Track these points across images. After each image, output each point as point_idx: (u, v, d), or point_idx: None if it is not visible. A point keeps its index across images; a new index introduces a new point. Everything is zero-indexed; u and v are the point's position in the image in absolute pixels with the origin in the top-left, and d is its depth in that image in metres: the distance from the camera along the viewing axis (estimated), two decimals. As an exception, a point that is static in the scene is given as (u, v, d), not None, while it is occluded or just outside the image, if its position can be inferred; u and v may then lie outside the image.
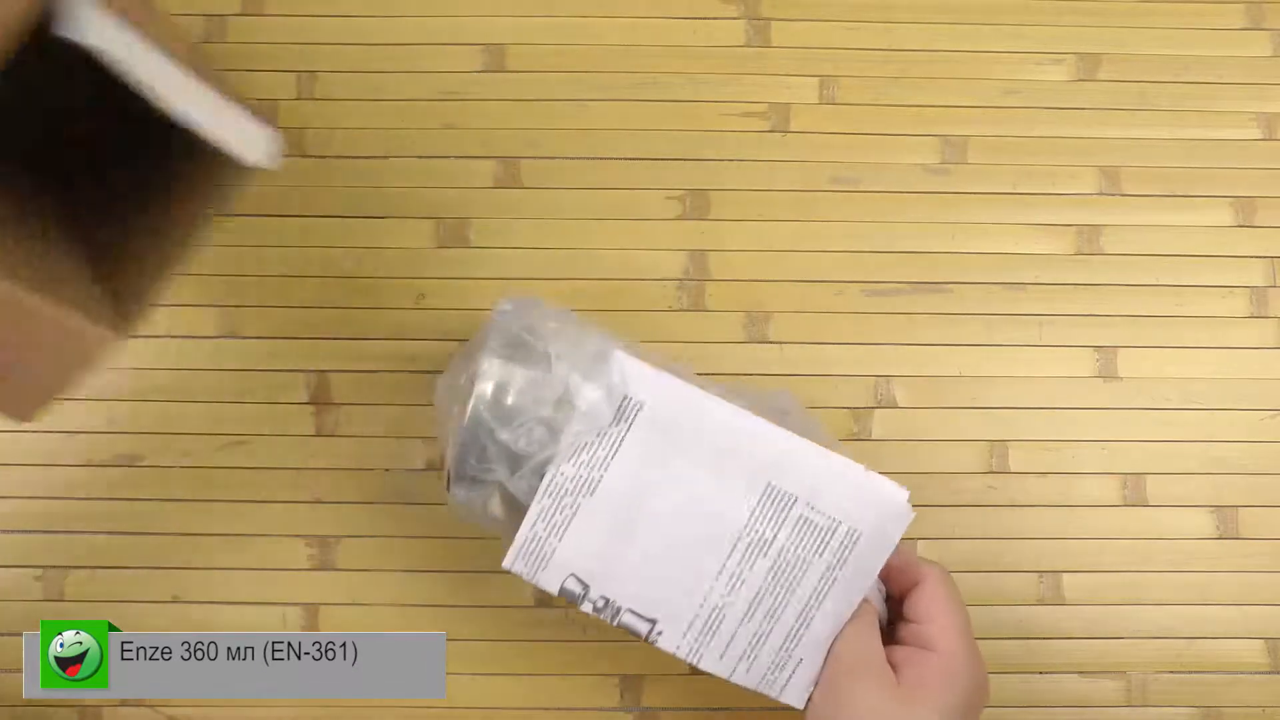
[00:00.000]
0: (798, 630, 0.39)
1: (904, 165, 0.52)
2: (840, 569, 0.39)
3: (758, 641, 0.39)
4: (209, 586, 0.47)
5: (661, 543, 0.39)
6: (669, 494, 0.39)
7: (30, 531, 0.48)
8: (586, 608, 0.39)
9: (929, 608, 0.39)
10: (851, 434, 0.49)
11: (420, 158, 0.51)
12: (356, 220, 0.51)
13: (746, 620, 0.39)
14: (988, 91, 0.52)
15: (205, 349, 0.49)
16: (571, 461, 0.38)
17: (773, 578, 0.39)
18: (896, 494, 0.39)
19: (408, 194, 0.51)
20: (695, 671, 0.46)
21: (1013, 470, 0.49)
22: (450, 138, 0.51)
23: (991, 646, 0.47)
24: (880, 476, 0.39)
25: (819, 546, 0.39)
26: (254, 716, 0.47)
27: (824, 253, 0.51)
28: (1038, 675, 0.47)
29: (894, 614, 0.41)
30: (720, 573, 0.39)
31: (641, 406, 0.39)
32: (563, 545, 0.39)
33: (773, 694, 0.40)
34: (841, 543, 0.39)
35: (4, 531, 0.48)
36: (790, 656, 0.40)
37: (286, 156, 0.51)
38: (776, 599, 0.39)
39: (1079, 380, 0.50)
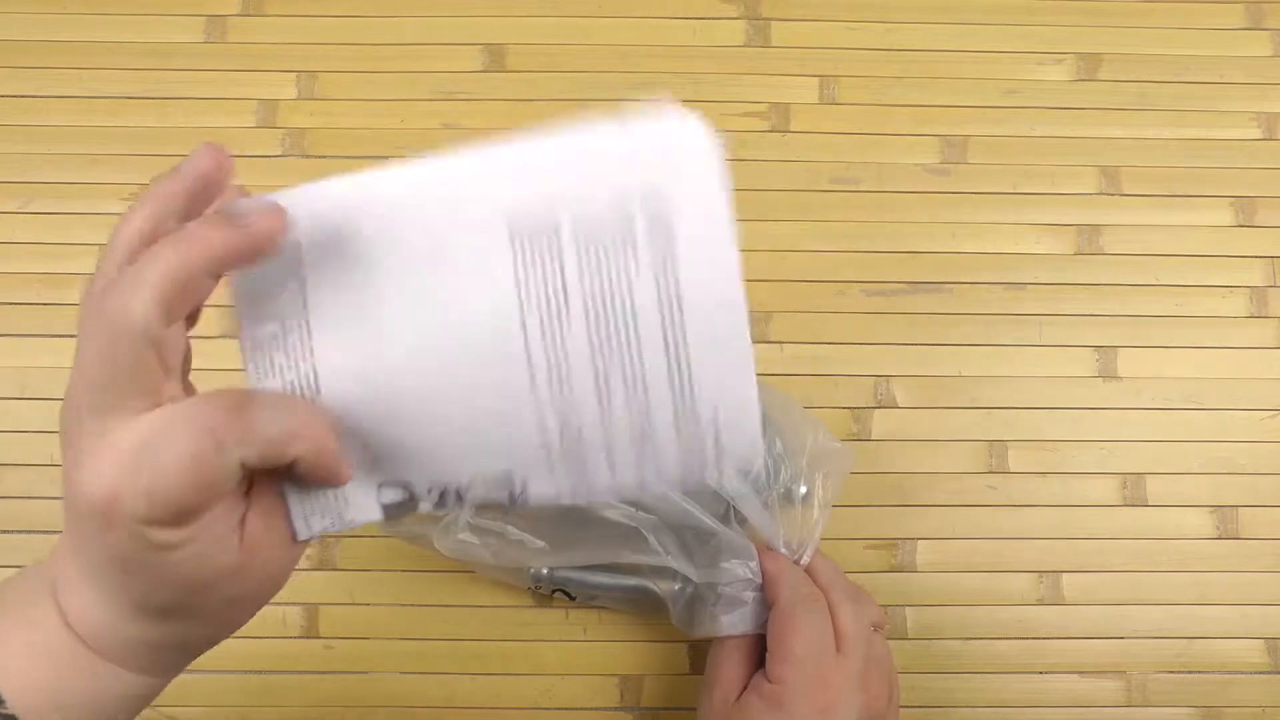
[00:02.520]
0: (683, 380, 0.28)
1: (904, 165, 0.52)
2: (671, 259, 0.27)
3: (642, 420, 0.29)
4: (209, 586, 0.47)
5: (446, 393, 0.28)
6: (409, 324, 0.28)
7: (30, 531, 0.48)
8: (426, 507, 0.30)
9: (770, 636, 0.39)
10: (851, 434, 0.49)
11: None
12: (356, 220, 0.51)
13: (607, 411, 0.28)
14: (988, 91, 0.52)
15: (205, 349, 0.49)
16: (269, 375, 0.29)
17: (598, 336, 0.28)
18: (673, 117, 0.28)
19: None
20: (695, 671, 0.47)
21: (1013, 470, 0.49)
22: (450, 138, 0.51)
23: (991, 646, 0.47)
24: (647, 116, 0.28)
25: (623, 251, 0.27)
26: (255, 717, 0.47)
27: (824, 253, 0.51)
28: (1038, 675, 0.47)
29: None
30: (532, 380, 0.28)
31: (300, 247, 0.29)
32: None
33: (711, 473, 0.30)
34: (650, 222, 0.27)
35: (4, 532, 0.48)
36: (698, 426, 0.29)
37: (287, 156, 0.51)
38: (625, 359, 0.28)
39: (1079, 380, 0.50)
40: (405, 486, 0.30)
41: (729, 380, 0.28)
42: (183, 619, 0.29)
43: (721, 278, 0.28)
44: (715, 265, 0.27)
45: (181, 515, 0.26)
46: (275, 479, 0.29)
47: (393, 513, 0.30)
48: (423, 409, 0.29)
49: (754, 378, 0.28)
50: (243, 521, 0.28)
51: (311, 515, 0.30)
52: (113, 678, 0.29)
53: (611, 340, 0.28)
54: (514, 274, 0.27)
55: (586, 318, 0.28)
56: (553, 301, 0.28)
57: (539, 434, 0.29)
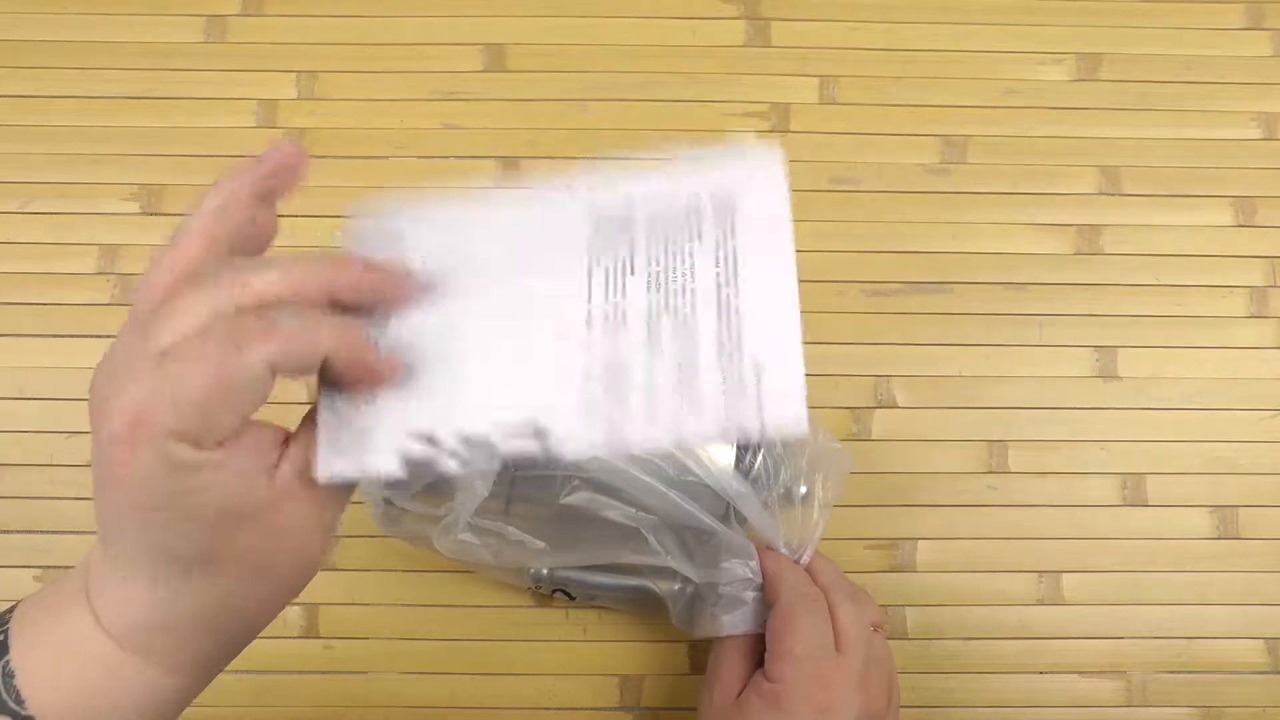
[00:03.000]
0: (731, 332, 0.30)
1: (904, 165, 0.52)
2: (732, 236, 0.31)
3: (687, 373, 0.30)
4: (209, 586, 0.47)
5: (504, 326, 0.30)
6: (480, 282, 0.31)
7: (30, 531, 0.48)
8: (451, 463, 0.29)
9: (770, 636, 0.39)
10: (851, 434, 0.49)
11: (420, 158, 0.51)
12: (356, 220, 0.51)
13: (654, 350, 0.30)
14: (988, 91, 0.52)
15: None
16: None
17: (656, 284, 0.30)
18: (749, 146, 0.32)
19: (408, 194, 0.51)
20: (695, 671, 0.47)
21: (1013, 470, 0.49)
22: (450, 138, 0.51)
23: (991, 646, 0.47)
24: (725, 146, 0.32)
25: (688, 225, 0.31)
26: (255, 717, 0.47)
27: (824, 253, 0.51)
28: (1038, 675, 0.47)
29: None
30: (589, 317, 0.30)
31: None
32: (379, 410, 0.30)
33: (752, 427, 0.30)
34: (715, 210, 0.31)
35: (4, 532, 0.48)
36: (740, 371, 0.30)
37: (286, 156, 0.51)
38: (679, 303, 0.30)
39: (1079, 380, 0.50)
40: (432, 440, 0.30)
41: (776, 337, 0.31)
42: (209, 574, 0.28)
43: (778, 245, 0.32)
44: (773, 237, 0.32)
45: (208, 425, 0.26)
46: (312, 430, 0.29)
47: (413, 469, 0.29)
48: (478, 338, 0.30)
49: (800, 347, 0.31)
50: (276, 466, 0.29)
51: (334, 455, 0.30)
52: (139, 678, 0.29)
53: (668, 287, 0.30)
54: (587, 242, 0.31)
55: (649, 270, 0.30)
56: (619, 259, 0.31)
57: (583, 371, 0.30)
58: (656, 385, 0.30)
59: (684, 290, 0.30)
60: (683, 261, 0.30)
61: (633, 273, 0.30)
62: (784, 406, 0.30)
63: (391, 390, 0.30)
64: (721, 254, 0.31)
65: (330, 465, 0.29)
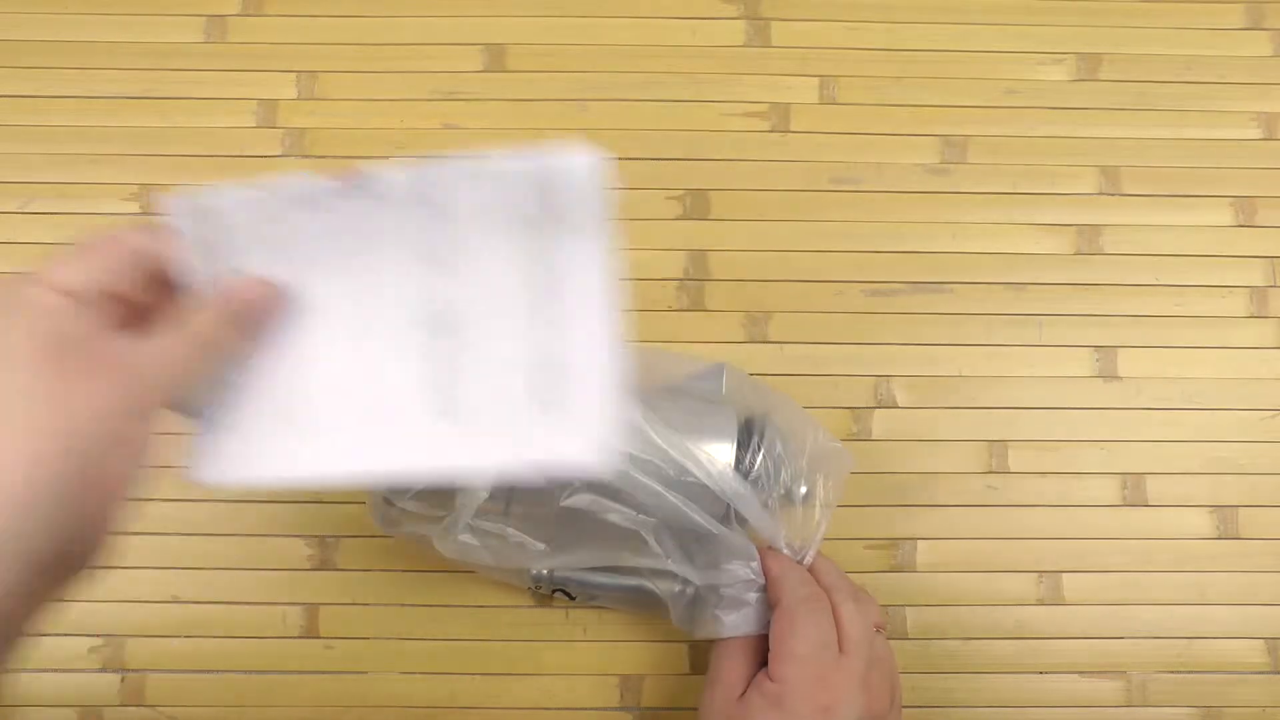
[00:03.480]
0: (542, 350, 0.30)
1: (904, 165, 0.52)
2: (553, 239, 0.30)
3: (500, 393, 0.30)
4: (209, 587, 0.47)
5: (340, 344, 0.32)
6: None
7: (30, 532, 0.48)
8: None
9: (772, 636, 0.39)
10: (851, 434, 0.49)
11: (420, 158, 0.51)
12: (356, 220, 0.51)
13: (471, 372, 0.30)
14: (988, 91, 0.52)
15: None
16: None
17: (470, 295, 0.30)
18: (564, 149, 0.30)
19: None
20: (695, 671, 0.47)
21: (1013, 470, 0.49)
22: (450, 138, 0.51)
23: (991, 646, 0.47)
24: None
25: (507, 226, 0.30)
26: (254, 717, 0.47)
27: (824, 253, 0.51)
28: (1038, 675, 0.47)
29: None
30: (416, 321, 0.31)
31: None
32: (246, 427, 0.32)
33: (541, 460, 0.29)
34: (537, 209, 0.30)
35: (4, 532, 0.48)
36: (543, 395, 0.29)
37: (286, 156, 0.51)
38: (492, 323, 0.30)
39: (1079, 380, 0.50)
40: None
41: (586, 361, 0.30)
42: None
43: (596, 254, 0.30)
44: (593, 244, 0.30)
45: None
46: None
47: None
48: (322, 354, 0.32)
49: (609, 370, 0.29)
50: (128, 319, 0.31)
51: (210, 460, 0.32)
52: None
53: (483, 291, 0.30)
54: (409, 236, 0.32)
55: (467, 274, 0.31)
56: (442, 258, 0.31)
57: (422, 387, 0.31)
58: (475, 407, 0.30)
59: (499, 297, 0.30)
60: (501, 264, 0.30)
61: (455, 274, 0.31)
62: (575, 441, 0.29)
63: (254, 407, 0.32)
64: (540, 261, 0.30)
65: (206, 470, 0.32)
